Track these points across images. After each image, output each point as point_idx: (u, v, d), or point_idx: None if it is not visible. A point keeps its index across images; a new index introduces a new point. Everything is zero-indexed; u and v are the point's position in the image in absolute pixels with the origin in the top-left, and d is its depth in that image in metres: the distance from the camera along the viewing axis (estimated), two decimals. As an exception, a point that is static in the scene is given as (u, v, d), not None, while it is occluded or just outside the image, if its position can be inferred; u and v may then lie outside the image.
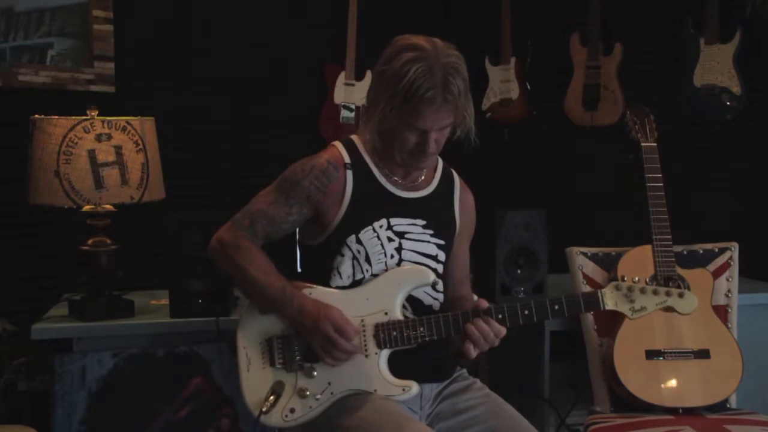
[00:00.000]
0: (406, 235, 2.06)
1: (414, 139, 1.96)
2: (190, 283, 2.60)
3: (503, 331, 1.97)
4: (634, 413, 2.49)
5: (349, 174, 2.04)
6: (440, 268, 2.10)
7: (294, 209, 2.03)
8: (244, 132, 3.58)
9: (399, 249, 2.05)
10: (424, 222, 2.08)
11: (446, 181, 2.17)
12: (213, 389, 2.56)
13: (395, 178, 2.08)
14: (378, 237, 2.03)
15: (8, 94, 3.06)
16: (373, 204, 2.05)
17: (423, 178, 2.12)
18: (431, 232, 2.09)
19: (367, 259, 2.03)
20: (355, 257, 2.03)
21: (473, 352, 1.97)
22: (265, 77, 3.61)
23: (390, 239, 2.04)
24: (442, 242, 2.11)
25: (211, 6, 3.51)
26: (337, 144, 2.10)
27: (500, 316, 1.97)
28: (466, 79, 1.93)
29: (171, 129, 2.92)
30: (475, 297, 2.34)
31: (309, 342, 1.98)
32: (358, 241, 2.02)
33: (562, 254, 2.80)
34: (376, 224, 2.04)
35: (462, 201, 2.18)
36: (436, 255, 2.09)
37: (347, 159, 2.06)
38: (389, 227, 2.05)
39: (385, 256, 2.04)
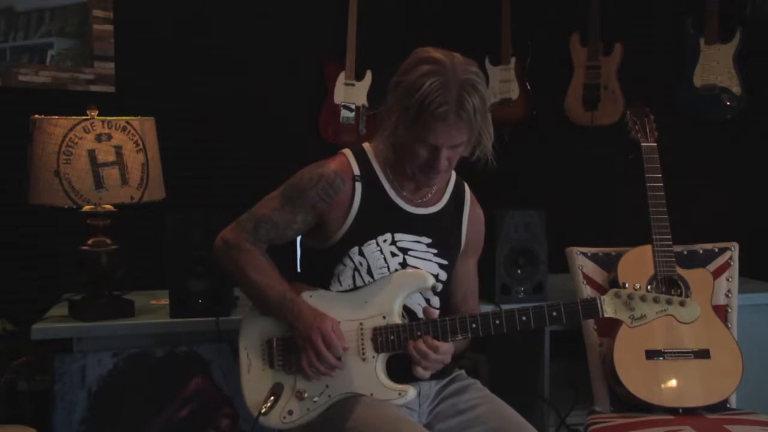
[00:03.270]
0: (409, 252, 2.04)
1: (425, 154, 1.92)
2: (190, 283, 2.59)
3: (442, 347, 1.94)
4: (634, 413, 2.49)
5: (358, 186, 2.01)
6: (439, 287, 2.07)
7: (299, 217, 2.02)
8: (244, 132, 3.58)
9: (404, 264, 2.03)
10: (429, 240, 2.06)
11: (457, 198, 2.13)
12: (213, 389, 2.55)
13: (405, 193, 2.05)
14: (381, 251, 2.02)
15: (8, 94, 3.06)
16: (379, 218, 2.03)
17: (433, 193, 2.09)
18: (435, 251, 2.07)
19: (369, 272, 2.02)
20: (356, 269, 2.02)
21: (421, 373, 1.95)
22: (265, 77, 3.61)
23: (393, 254, 2.03)
24: (445, 262, 2.09)
25: (211, 6, 3.51)
26: (348, 153, 2.07)
27: (497, 322, 1.96)
28: (485, 98, 1.88)
29: (171, 129, 2.92)
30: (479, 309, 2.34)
31: (300, 348, 1.99)
32: (361, 254, 2.01)
33: (562, 254, 2.80)
34: (380, 238, 2.02)
35: (471, 218, 2.15)
36: (437, 274, 2.07)
37: (356, 171, 2.03)
38: (393, 242, 2.03)
39: (388, 270, 2.02)
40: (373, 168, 2.05)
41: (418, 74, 1.86)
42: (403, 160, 1.96)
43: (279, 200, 2.04)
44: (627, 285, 1.96)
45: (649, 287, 1.97)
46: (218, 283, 2.58)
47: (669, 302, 1.94)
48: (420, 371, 1.95)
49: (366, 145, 2.09)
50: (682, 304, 1.94)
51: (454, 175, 2.13)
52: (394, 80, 1.95)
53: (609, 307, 1.95)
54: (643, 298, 1.94)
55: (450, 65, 1.86)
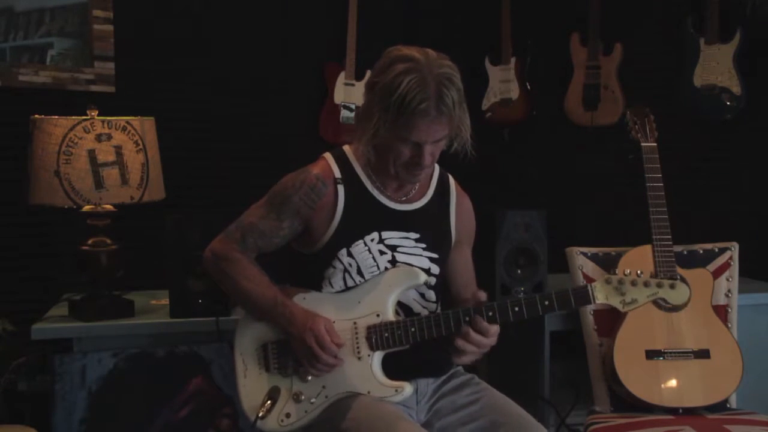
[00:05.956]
0: (398, 249, 2.05)
1: (408, 152, 1.93)
2: (190, 283, 2.60)
3: (493, 329, 1.95)
4: (634, 413, 2.49)
5: (340, 189, 2.03)
6: (432, 281, 2.08)
7: (285, 224, 2.03)
8: (244, 132, 3.58)
9: (393, 262, 2.04)
10: (417, 235, 2.07)
11: (442, 191, 2.14)
12: (213, 389, 2.56)
13: (388, 191, 2.06)
14: (369, 251, 2.03)
15: (8, 94, 3.06)
16: (364, 218, 2.03)
17: (417, 189, 2.10)
18: (424, 245, 2.07)
19: (359, 272, 2.03)
20: (346, 270, 2.02)
21: (467, 360, 1.97)
22: (265, 77, 3.61)
23: (382, 252, 2.03)
24: (435, 255, 2.09)
25: (211, 6, 3.51)
26: (328, 157, 2.08)
27: (491, 314, 1.95)
28: (461, 90, 1.90)
29: (171, 129, 2.92)
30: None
31: (295, 351, 1.99)
32: (350, 255, 2.02)
33: (562, 254, 2.80)
34: (367, 238, 2.03)
35: (459, 208, 2.16)
36: (429, 268, 2.07)
37: (338, 174, 2.04)
38: (381, 240, 2.03)
39: (378, 269, 2.03)
40: (354, 169, 2.06)
41: (394, 73, 1.87)
42: (386, 159, 1.97)
43: (264, 208, 2.05)
44: (617, 272, 1.97)
45: (639, 273, 1.97)
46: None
47: (659, 285, 1.95)
48: (465, 360, 1.96)
49: (346, 148, 2.10)
50: (671, 286, 1.95)
51: (437, 168, 2.14)
52: (369, 81, 1.95)
53: (600, 294, 1.95)
54: (633, 283, 1.94)
55: (424, 61, 1.87)
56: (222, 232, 2.09)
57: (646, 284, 1.95)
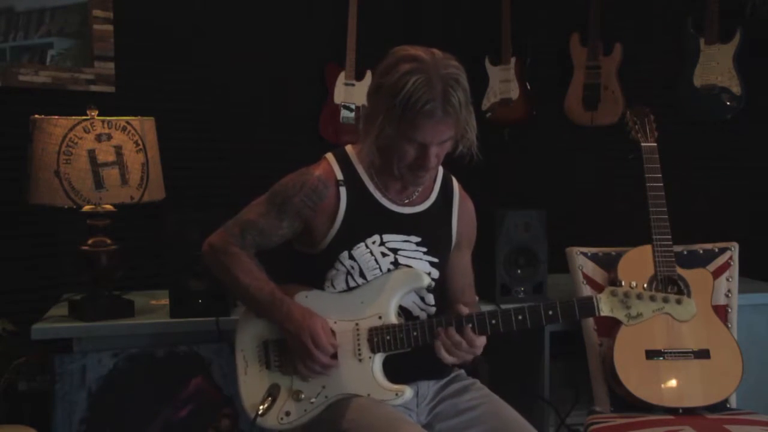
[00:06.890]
0: (399, 252, 2.04)
1: (413, 153, 1.91)
2: (190, 283, 2.60)
3: (478, 341, 1.94)
4: (634, 413, 2.49)
5: (342, 191, 2.02)
6: (432, 284, 2.06)
7: (284, 223, 2.03)
8: (244, 132, 3.58)
9: (395, 264, 2.03)
10: (418, 239, 2.06)
11: (445, 193, 2.13)
12: (213, 389, 2.56)
13: (390, 193, 2.05)
14: (371, 253, 2.02)
15: (8, 94, 3.06)
16: (366, 220, 2.02)
17: (420, 192, 2.09)
18: (425, 249, 2.07)
19: (362, 275, 2.02)
20: (348, 272, 2.02)
21: (448, 358, 1.95)
22: (265, 77, 3.60)
23: (384, 254, 2.03)
24: (435, 260, 2.08)
25: (211, 6, 3.51)
26: (330, 158, 2.07)
27: (494, 322, 1.95)
28: (467, 91, 1.88)
29: (171, 129, 2.92)
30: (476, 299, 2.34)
31: (291, 348, 1.98)
32: (351, 257, 2.01)
33: (562, 254, 2.80)
34: (369, 240, 2.02)
35: (461, 212, 2.15)
36: (429, 273, 2.06)
37: (340, 175, 2.03)
38: (382, 243, 2.03)
39: (380, 271, 2.02)
40: (356, 171, 2.05)
41: (400, 74, 1.85)
42: (390, 161, 1.95)
43: (265, 206, 2.04)
44: (623, 283, 1.95)
45: (645, 286, 1.96)
46: (218, 283, 2.57)
47: (665, 300, 1.93)
48: (446, 356, 1.94)
49: (348, 148, 2.09)
50: (678, 302, 1.93)
51: (441, 170, 2.13)
52: (374, 83, 1.94)
53: (605, 306, 1.94)
54: (639, 296, 1.93)
55: (431, 61, 1.85)
56: (221, 226, 2.09)
57: (652, 298, 1.92)
